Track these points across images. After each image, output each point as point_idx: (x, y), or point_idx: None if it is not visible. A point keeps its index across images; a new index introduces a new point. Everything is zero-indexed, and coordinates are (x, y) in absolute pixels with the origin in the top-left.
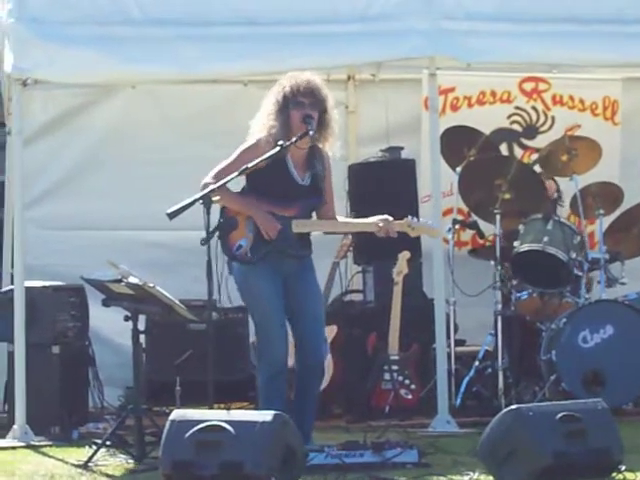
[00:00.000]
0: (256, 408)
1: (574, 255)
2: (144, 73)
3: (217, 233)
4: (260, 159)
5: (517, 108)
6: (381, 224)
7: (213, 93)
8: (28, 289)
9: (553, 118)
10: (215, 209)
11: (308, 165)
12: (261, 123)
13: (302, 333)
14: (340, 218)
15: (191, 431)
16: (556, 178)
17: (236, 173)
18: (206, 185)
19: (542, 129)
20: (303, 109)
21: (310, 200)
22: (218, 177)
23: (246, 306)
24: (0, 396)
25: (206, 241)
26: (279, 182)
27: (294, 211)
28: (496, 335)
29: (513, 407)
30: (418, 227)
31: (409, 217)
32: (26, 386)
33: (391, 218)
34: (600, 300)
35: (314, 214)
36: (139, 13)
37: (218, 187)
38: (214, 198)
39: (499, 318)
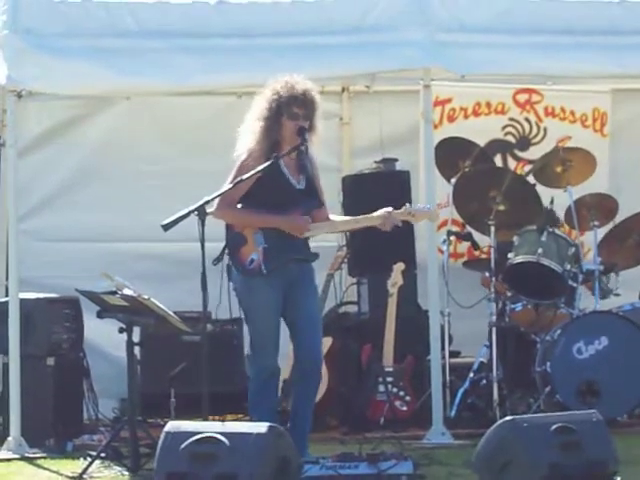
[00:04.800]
0: (251, 419)
1: (568, 266)
2: (139, 85)
3: (227, 250)
4: (254, 171)
5: (511, 119)
6: (385, 217)
7: (207, 105)
8: (23, 301)
9: (545, 129)
10: (210, 222)
11: (301, 168)
12: (252, 129)
13: (299, 337)
14: (334, 217)
15: (186, 443)
16: (550, 189)
17: (231, 185)
18: (212, 212)
19: (534, 140)
20: (297, 120)
21: (308, 203)
22: (225, 197)
23: (243, 312)
24: None
25: (218, 261)
26: (278, 190)
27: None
28: (491, 346)
29: (508, 418)
30: (418, 213)
31: (407, 205)
32: (21, 398)
33: (391, 209)
34: (595, 311)
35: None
36: (134, 25)
37: (224, 205)
38: (209, 211)
39: (494, 329)
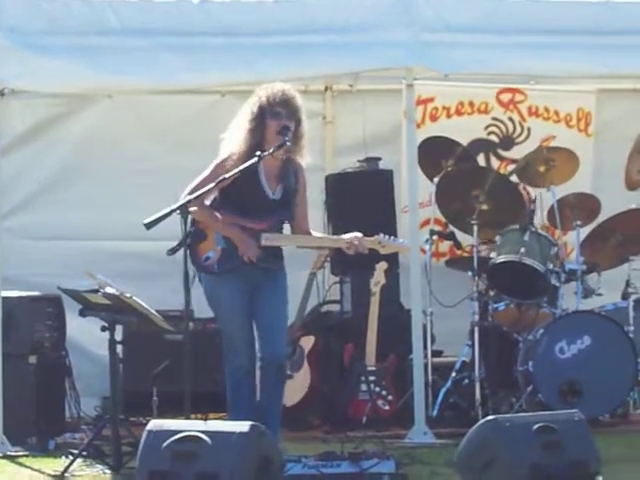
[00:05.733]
0: None
1: (551, 266)
2: (122, 83)
3: (185, 243)
4: (237, 170)
5: (494, 119)
6: (355, 242)
7: (191, 103)
8: (5, 299)
9: (529, 129)
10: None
11: (281, 178)
12: (235, 133)
13: (261, 341)
14: (314, 233)
15: (168, 441)
16: (533, 188)
17: (213, 184)
18: (194, 210)
19: (518, 140)
20: (280, 119)
21: (280, 214)
22: (194, 192)
23: (214, 314)
24: None
25: (173, 252)
26: (250, 196)
27: (264, 225)
28: (473, 346)
29: (490, 418)
30: (388, 245)
31: (380, 235)
32: (2, 396)
33: (360, 235)
34: (577, 311)
35: (288, 227)
36: (117, 23)
37: (195, 199)
38: (191, 209)
39: (476, 329)
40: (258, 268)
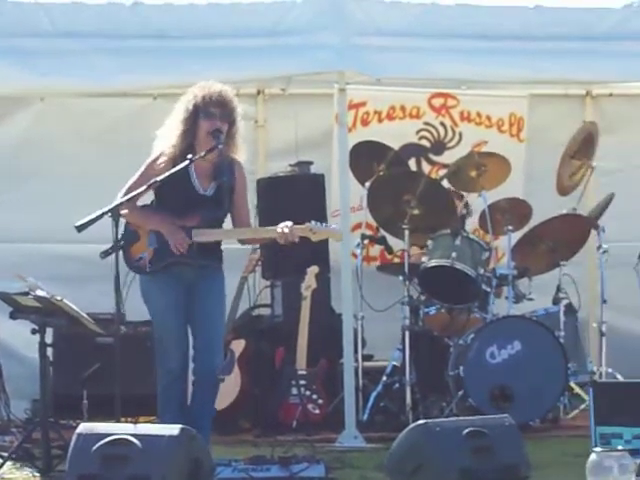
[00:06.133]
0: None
1: (482, 271)
2: (55, 85)
3: (119, 246)
4: (169, 172)
5: (426, 124)
6: (285, 230)
7: (122, 106)
8: None
9: (461, 134)
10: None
11: (214, 175)
12: (168, 131)
13: (196, 342)
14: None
15: (98, 445)
16: (465, 193)
17: (145, 187)
18: (125, 213)
19: (450, 145)
20: (213, 120)
21: (212, 211)
22: (128, 193)
23: (149, 315)
24: None
25: (106, 255)
26: (180, 192)
27: (195, 221)
28: (404, 350)
29: (420, 422)
30: (320, 231)
31: (312, 222)
32: None
33: (291, 223)
34: (508, 316)
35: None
36: (49, 25)
37: (127, 202)
38: (122, 212)
39: (407, 333)
40: (192, 266)
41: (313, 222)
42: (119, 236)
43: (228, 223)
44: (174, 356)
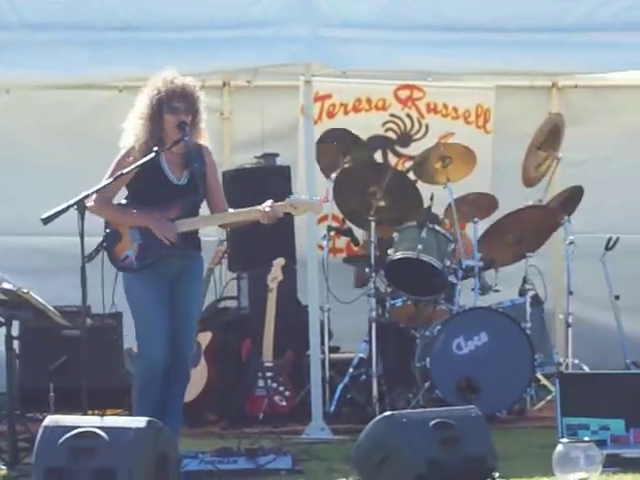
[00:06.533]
0: (130, 414)
1: (448, 262)
2: (21, 77)
3: (103, 246)
4: (135, 165)
5: (392, 115)
6: (267, 209)
7: (88, 99)
8: None
9: (427, 126)
10: (91, 216)
11: (185, 164)
12: (134, 126)
13: (174, 332)
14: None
15: (64, 437)
16: (431, 185)
17: (111, 179)
18: (91, 206)
19: (416, 137)
20: (178, 115)
21: (189, 199)
22: (101, 197)
23: (131, 311)
24: None
25: (90, 258)
26: (155, 185)
27: (175, 212)
28: (370, 342)
29: (387, 414)
30: (300, 205)
31: (291, 197)
32: None
33: (272, 201)
34: (474, 308)
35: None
36: (15, 17)
37: (103, 202)
38: (88, 204)
39: (373, 325)
40: (179, 257)
41: (292, 196)
42: (102, 237)
43: (204, 209)
44: (158, 351)
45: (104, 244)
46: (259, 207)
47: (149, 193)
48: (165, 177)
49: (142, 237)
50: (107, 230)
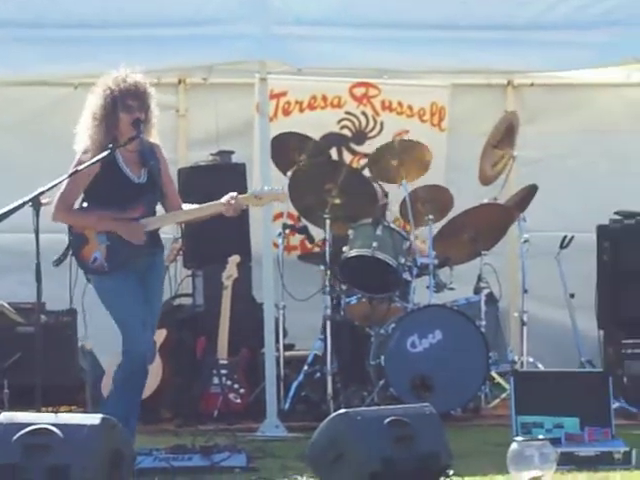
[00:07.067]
0: (85, 411)
1: (403, 260)
2: None
3: (69, 251)
4: (90, 162)
5: (347, 113)
6: (231, 201)
7: (43, 96)
8: None
9: (382, 124)
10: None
11: (142, 162)
12: (88, 127)
13: None
14: (185, 206)
15: (18, 434)
16: (385, 184)
17: (65, 176)
18: (54, 214)
19: (371, 134)
20: (133, 113)
21: (150, 197)
22: (63, 199)
23: (110, 312)
24: None
25: (58, 262)
26: (117, 185)
27: (139, 211)
28: (325, 340)
29: (341, 412)
30: (265, 195)
31: (255, 188)
32: None
33: (235, 194)
34: (429, 305)
35: (161, 209)
36: None
37: (65, 209)
38: (44, 201)
39: (328, 323)
40: (145, 255)
41: (257, 188)
42: (67, 242)
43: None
44: (147, 343)
45: (70, 248)
46: (223, 200)
47: (112, 194)
48: (125, 177)
49: (109, 239)
50: (71, 234)
